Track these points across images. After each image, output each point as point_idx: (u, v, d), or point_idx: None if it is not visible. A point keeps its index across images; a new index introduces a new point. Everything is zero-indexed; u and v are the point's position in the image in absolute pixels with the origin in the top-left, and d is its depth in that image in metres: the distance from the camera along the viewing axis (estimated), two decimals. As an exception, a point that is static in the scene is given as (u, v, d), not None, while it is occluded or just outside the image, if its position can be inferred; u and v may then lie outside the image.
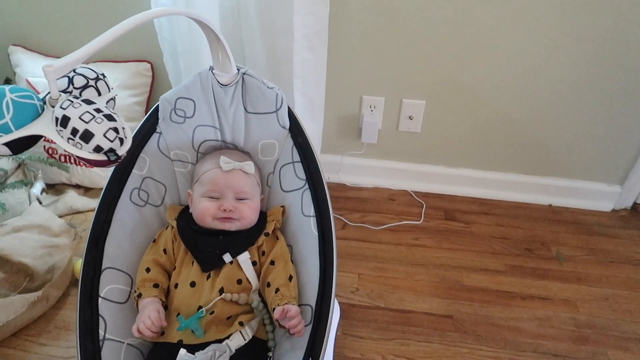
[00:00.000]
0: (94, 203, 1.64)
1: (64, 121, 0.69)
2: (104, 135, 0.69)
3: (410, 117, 1.70)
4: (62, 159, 1.66)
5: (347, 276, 1.45)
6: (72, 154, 0.70)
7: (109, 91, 0.84)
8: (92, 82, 0.80)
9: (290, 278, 0.89)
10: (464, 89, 1.62)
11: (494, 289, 1.43)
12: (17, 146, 0.71)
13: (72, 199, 1.63)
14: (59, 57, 0.71)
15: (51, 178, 1.68)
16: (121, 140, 0.71)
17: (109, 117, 0.71)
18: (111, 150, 0.70)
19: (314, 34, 1.43)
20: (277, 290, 0.86)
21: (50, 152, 1.66)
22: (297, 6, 1.34)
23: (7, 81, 1.75)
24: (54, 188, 1.70)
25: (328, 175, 1.83)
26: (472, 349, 1.25)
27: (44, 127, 0.71)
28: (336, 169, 1.82)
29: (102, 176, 1.68)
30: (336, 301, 1.32)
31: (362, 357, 1.22)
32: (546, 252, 1.58)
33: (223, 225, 0.93)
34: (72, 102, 0.71)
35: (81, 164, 1.67)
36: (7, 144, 0.70)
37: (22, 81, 1.66)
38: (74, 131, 0.69)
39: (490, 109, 1.66)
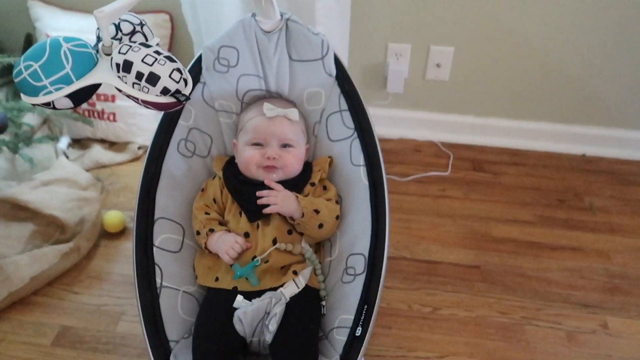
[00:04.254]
0: (119, 157, 1.66)
1: (127, 66, 0.67)
2: (170, 77, 0.68)
3: (438, 64, 1.63)
4: (86, 113, 1.66)
5: (372, 228, 1.44)
6: (139, 99, 0.69)
7: (153, 36, 0.82)
8: (138, 28, 0.78)
9: (320, 210, 0.89)
10: (495, 34, 1.54)
11: (523, 240, 1.40)
12: (78, 97, 0.71)
13: (98, 153, 1.64)
14: (78, 11, 0.69)
15: (76, 133, 1.70)
16: (185, 81, 0.70)
17: (170, 59, 0.69)
18: (178, 91, 0.69)
19: (336, -23, 1.36)
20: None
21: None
22: (319, -54, 1.27)
23: (28, 37, 1.73)
24: (79, 143, 1.71)
25: (352, 127, 1.79)
26: (499, 299, 1.24)
27: (105, 74, 0.70)
28: (360, 120, 1.78)
29: (126, 130, 1.68)
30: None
31: (388, 306, 1.22)
32: (578, 202, 1.53)
33: (267, 175, 0.92)
34: (130, 46, 0.69)
35: (107, 117, 1.67)
36: (69, 96, 0.69)
37: (42, 35, 1.65)
38: (139, 75, 0.67)
39: (523, 54, 1.57)
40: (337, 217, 0.92)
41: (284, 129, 0.94)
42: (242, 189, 0.93)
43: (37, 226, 1.35)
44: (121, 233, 1.41)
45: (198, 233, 0.92)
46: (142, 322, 0.79)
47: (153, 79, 0.67)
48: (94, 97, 1.64)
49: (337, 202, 0.94)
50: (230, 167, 0.97)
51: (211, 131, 1.02)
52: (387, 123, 1.78)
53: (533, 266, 1.32)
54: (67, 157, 1.60)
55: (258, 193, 0.88)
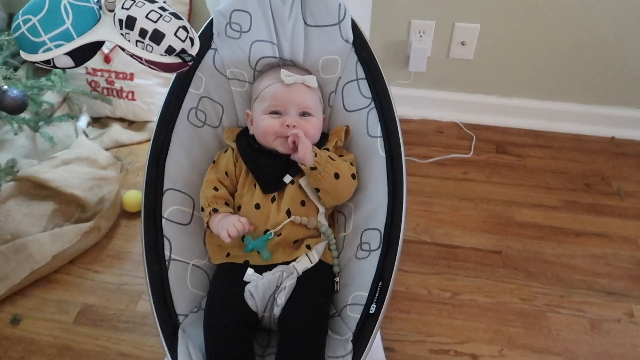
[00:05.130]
0: (138, 136, 1.65)
1: (130, 22, 0.63)
2: (175, 35, 0.64)
3: (462, 42, 1.58)
4: (105, 92, 1.66)
5: (392, 210, 1.42)
6: (142, 59, 0.65)
7: None
8: None
9: (335, 159, 0.86)
10: (522, 10, 1.48)
11: (547, 225, 1.36)
12: (80, 56, 0.67)
13: (117, 132, 1.64)
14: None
15: (96, 111, 1.70)
16: (192, 40, 0.66)
17: (176, 16, 0.65)
18: (183, 51, 0.65)
19: (359, -50, 1.31)
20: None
21: (93, 85, 1.66)
22: None
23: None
24: (99, 121, 1.71)
25: (372, 107, 1.76)
26: (521, 285, 1.22)
27: (107, 31, 0.66)
28: (381, 100, 1.74)
29: (145, 109, 1.68)
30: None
31: (407, 291, 1.21)
32: (606, 187, 1.48)
33: (285, 149, 0.88)
34: (134, 1, 0.65)
35: (126, 95, 1.67)
36: (69, 54, 0.65)
37: None
38: (143, 32, 0.63)
39: (551, 32, 1.51)
40: (353, 177, 0.87)
41: (303, 96, 0.90)
42: (257, 159, 0.89)
43: (58, 205, 1.36)
44: (140, 213, 1.41)
45: (202, 209, 0.88)
46: (150, 295, 0.78)
47: (157, 36, 0.63)
48: (113, 75, 1.63)
49: (354, 169, 0.90)
50: (244, 138, 0.94)
51: (223, 100, 0.98)
52: (408, 103, 1.74)
53: (557, 252, 1.29)
54: (86, 135, 1.61)
55: (290, 134, 0.84)
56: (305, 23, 0.94)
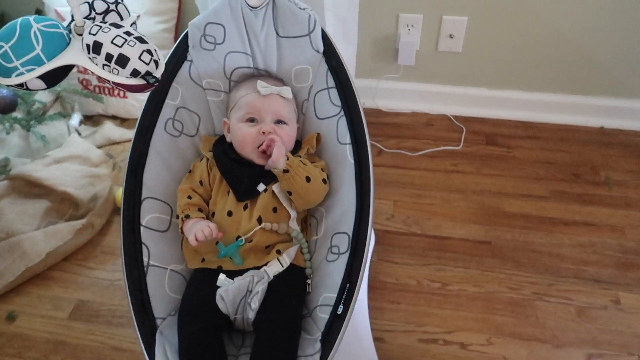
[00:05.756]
0: (130, 134, 1.66)
1: (96, 47, 0.66)
2: (139, 58, 0.66)
3: (450, 35, 1.59)
4: (97, 90, 1.67)
5: (382, 203, 1.43)
6: (110, 81, 0.68)
7: (129, 15, 0.81)
8: (112, 6, 0.77)
9: (306, 164, 0.88)
10: (509, 3, 1.49)
11: (536, 215, 1.38)
12: (51, 78, 0.70)
13: (110, 129, 1.65)
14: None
15: (88, 109, 1.70)
16: (156, 63, 0.69)
17: (141, 40, 0.68)
18: (148, 73, 0.68)
19: (345, -55, 1.32)
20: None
21: (84, 83, 1.66)
22: None
23: (38, 12, 1.73)
24: (91, 119, 1.72)
25: (363, 101, 1.73)
26: (510, 275, 1.23)
27: (75, 55, 0.69)
28: (371, 93, 1.75)
29: (137, 107, 1.69)
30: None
31: (397, 282, 1.23)
32: (594, 177, 1.50)
33: (261, 161, 0.91)
34: (100, 27, 0.68)
35: (118, 93, 1.68)
36: (41, 77, 0.68)
37: (51, 12, 1.64)
38: (109, 56, 0.66)
39: (538, 24, 1.52)
40: (324, 181, 0.90)
41: (278, 106, 0.93)
42: (233, 168, 0.92)
43: (51, 203, 1.37)
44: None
45: (177, 217, 0.91)
46: (129, 300, 0.81)
47: (122, 60, 0.66)
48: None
49: (325, 174, 0.93)
50: (220, 146, 0.96)
51: (199, 110, 1.00)
52: (398, 96, 1.75)
53: (545, 242, 1.31)
54: (79, 134, 1.62)
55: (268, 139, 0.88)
56: (277, 34, 0.95)
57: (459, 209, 1.41)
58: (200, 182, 0.94)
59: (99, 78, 0.69)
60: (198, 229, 0.84)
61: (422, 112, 1.75)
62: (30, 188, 1.39)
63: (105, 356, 1.11)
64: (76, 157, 1.47)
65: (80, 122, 1.66)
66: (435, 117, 1.74)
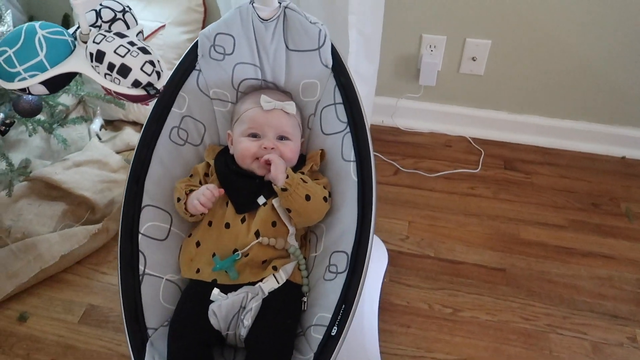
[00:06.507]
0: (149, 140, 1.68)
1: (99, 56, 0.67)
2: (141, 69, 0.67)
3: (473, 58, 1.58)
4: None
5: (397, 223, 1.42)
6: (111, 90, 0.69)
7: (137, 24, 0.81)
8: (119, 15, 0.77)
9: (307, 182, 0.87)
10: (535, 28, 1.48)
11: (553, 244, 1.36)
12: (54, 84, 0.70)
13: (129, 135, 1.67)
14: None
15: (109, 114, 1.72)
16: (158, 74, 0.69)
17: (144, 50, 0.68)
18: (149, 84, 0.68)
19: (372, -35, 1.32)
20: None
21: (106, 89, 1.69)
22: None
23: (66, 17, 1.76)
24: (112, 124, 1.74)
25: (382, 119, 1.77)
26: (524, 304, 1.21)
27: (79, 63, 0.69)
28: (391, 112, 1.75)
29: (157, 114, 1.70)
30: (384, 248, 1.31)
31: (408, 305, 1.21)
32: (614, 207, 1.47)
33: (262, 171, 0.90)
34: (104, 36, 0.68)
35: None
36: (44, 83, 0.69)
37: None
38: (111, 66, 0.67)
39: (563, 50, 1.51)
40: (325, 199, 0.89)
41: (281, 121, 0.93)
42: (232, 179, 0.91)
43: (68, 206, 1.39)
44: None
45: (178, 200, 0.90)
46: (122, 308, 0.80)
47: (124, 70, 0.66)
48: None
49: (328, 192, 0.92)
50: (223, 157, 0.96)
51: (205, 120, 1.01)
52: (418, 116, 1.74)
53: (561, 272, 1.29)
54: (99, 138, 1.64)
55: (263, 159, 0.88)
56: (287, 47, 0.95)
57: (474, 233, 1.39)
58: (200, 182, 0.94)
59: (103, 87, 0.69)
60: (199, 195, 0.86)
61: (441, 133, 1.74)
62: (49, 190, 1.40)
63: (112, 363, 1.12)
64: (95, 161, 1.49)
65: (101, 127, 1.68)
66: (453, 138, 1.73)
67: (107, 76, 0.68)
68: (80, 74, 0.79)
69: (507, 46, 1.54)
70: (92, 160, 1.48)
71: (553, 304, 1.21)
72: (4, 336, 1.16)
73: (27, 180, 1.40)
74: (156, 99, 0.90)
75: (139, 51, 0.68)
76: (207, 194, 0.86)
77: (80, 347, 1.14)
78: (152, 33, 1.63)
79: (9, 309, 1.22)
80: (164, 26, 1.63)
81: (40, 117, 1.43)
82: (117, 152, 1.59)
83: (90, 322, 1.19)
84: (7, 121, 1.06)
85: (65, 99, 1.59)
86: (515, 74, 1.59)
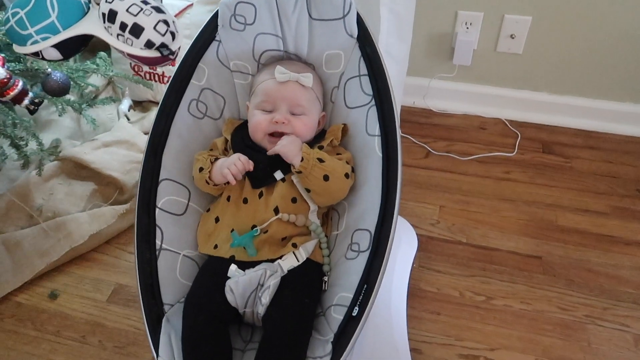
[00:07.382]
0: (177, 121, 1.67)
1: (111, 16, 0.64)
2: (154, 29, 0.64)
3: (512, 35, 1.51)
4: (147, 76, 1.68)
5: (427, 207, 1.38)
6: (124, 52, 0.66)
7: None
8: None
9: (325, 160, 0.82)
10: (579, 2, 1.39)
11: (593, 231, 1.29)
12: (67, 48, 0.68)
13: (157, 116, 1.66)
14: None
15: (138, 95, 1.73)
16: (172, 35, 0.66)
17: (157, 9, 0.65)
18: (163, 45, 0.65)
19: (405, -63, 1.26)
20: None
21: (136, 69, 1.69)
22: None
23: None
24: (140, 105, 1.75)
25: (413, 100, 1.71)
26: (561, 294, 1.16)
27: (91, 25, 0.67)
28: (423, 92, 1.69)
29: (185, 95, 1.69)
30: (414, 232, 1.27)
31: (438, 292, 1.18)
32: (661, 194, 1.39)
33: (272, 145, 0.86)
34: None
35: (167, 81, 1.69)
36: (57, 46, 0.67)
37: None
38: (123, 26, 0.64)
39: (608, 26, 1.42)
40: (347, 176, 0.84)
41: (295, 94, 0.88)
42: (248, 154, 0.88)
43: (97, 186, 1.40)
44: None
45: (201, 170, 0.87)
46: (138, 283, 0.78)
47: (137, 30, 0.64)
48: (155, 60, 1.65)
49: (350, 167, 0.87)
50: (240, 131, 0.93)
51: (225, 92, 0.97)
52: (451, 97, 1.68)
53: (602, 261, 1.22)
54: (128, 119, 1.64)
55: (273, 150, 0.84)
56: (310, 16, 0.91)
57: (508, 219, 1.34)
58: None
59: (115, 48, 0.66)
60: (230, 164, 0.83)
61: (475, 115, 1.68)
62: (79, 170, 1.42)
63: (140, 342, 1.12)
64: (123, 142, 1.49)
65: (130, 108, 1.68)
66: (488, 120, 1.66)
67: (119, 37, 0.65)
68: (109, 50, 0.77)
69: (549, 22, 1.46)
70: (120, 141, 1.49)
71: (593, 294, 1.15)
72: (35, 313, 1.18)
73: (58, 160, 1.42)
74: (174, 72, 0.87)
75: (152, 10, 0.65)
76: (239, 164, 0.83)
77: (108, 326, 1.15)
78: (180, 12, 1.62)
79: (41, 286, 1.24)
80: (191, 5, 1.61)
81: (70, 97, 1.44)
82: (145, 133, 1.59)
83: (118, 301, 1.20)
84: (37, 100, 1.06)
85: (94, 79, 1.60)
86: (557, 52, 1.51)
